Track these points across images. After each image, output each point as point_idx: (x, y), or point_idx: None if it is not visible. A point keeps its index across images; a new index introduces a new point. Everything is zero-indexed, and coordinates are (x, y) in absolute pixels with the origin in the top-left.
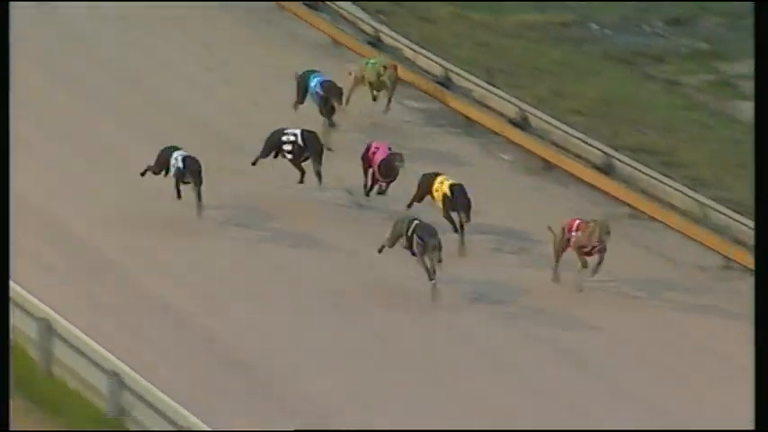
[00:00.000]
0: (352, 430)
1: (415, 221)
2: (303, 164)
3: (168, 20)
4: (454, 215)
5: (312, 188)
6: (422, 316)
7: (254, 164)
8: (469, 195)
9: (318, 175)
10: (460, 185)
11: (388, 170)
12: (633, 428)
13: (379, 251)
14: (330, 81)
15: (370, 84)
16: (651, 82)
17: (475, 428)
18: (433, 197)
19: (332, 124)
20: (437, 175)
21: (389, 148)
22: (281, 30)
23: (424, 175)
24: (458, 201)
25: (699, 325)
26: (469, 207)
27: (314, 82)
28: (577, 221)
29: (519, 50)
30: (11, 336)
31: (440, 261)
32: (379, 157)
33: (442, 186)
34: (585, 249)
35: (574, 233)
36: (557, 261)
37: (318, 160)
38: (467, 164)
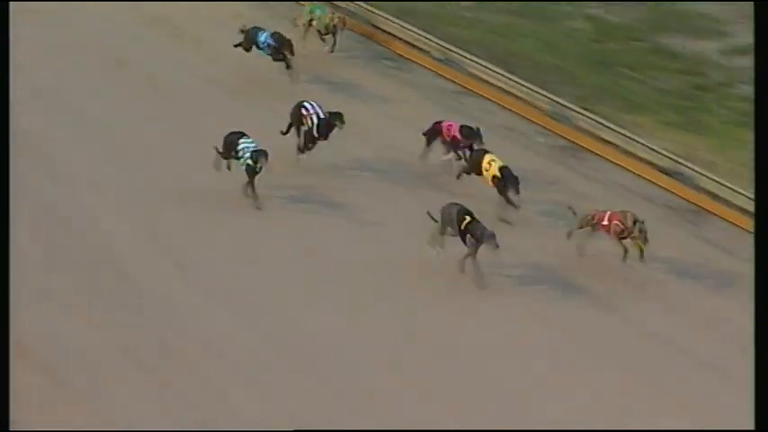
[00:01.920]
0: (350, 430)
1: (467, 219)
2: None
3: None
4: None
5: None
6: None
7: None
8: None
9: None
10: (507, 167)
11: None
12: (641, 428)
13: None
14: (279, 33)
15: (319, 32)
16: None
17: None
18: (481, 173)
19: (289, 66)
20: (485, 152)
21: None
22: None
23: (474, 152)
24: (508, 180)
25: None
26: (518, 183)
27: (263, 36)
28: (607, 215)
29: None
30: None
31: (497, 247)
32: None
33: (491, 169)
34: (624, 235)
35: (612, 222)
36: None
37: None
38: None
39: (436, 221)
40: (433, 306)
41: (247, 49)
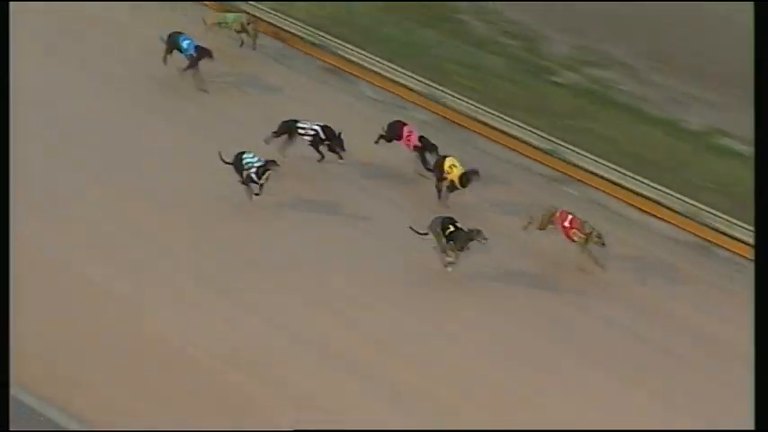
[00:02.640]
0: (349, 430)
1: (451, 228)
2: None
3: None
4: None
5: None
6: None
7: (267, 142)
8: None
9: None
10: (466, 172)
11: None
12: (632, 429)
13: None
14: (201, 46)
15: (236, 30)
16: None
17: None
18: (446, 173)
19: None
20: (445, 157)
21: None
22: None
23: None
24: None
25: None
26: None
27: (185, 44)
28: (570, 216)
29: None
30: (11, 336)
31: (486, 239)
32: (414, 138)
33: (453, 171)
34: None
35: (570, 230)
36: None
37: (341, 147)
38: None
39: (421, 234)
40: (423, 308)
41: (170, 52)
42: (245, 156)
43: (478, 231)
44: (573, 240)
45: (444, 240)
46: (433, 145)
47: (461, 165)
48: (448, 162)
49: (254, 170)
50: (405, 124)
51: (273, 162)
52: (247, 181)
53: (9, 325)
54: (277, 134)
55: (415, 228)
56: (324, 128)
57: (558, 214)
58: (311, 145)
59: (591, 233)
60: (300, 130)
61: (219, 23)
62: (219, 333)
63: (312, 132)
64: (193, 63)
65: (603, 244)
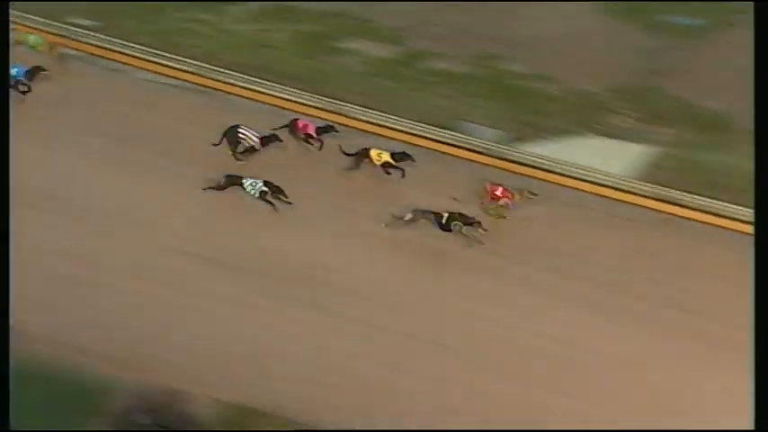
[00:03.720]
0: (349, 430)
1: (446, 215)
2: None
3: None
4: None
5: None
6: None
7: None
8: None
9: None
10: (399, 153)
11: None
12: (632, 428)
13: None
14: (30, 68)
15: (46, 51)
16: None
17: None
18: (377, 160)
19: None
20: (368, 150)
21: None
22: None
23: (362, 150)
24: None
25: None
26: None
27: (14, 71)
28: (500, 188)
29: None
30: (11, 336)
31: (485, 230)
32: (311, 128)
33: (381, 156)
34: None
35: (503, 199)
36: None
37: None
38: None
39: (405, 219)
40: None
41: (17, 86)
42: (244, 182)
43: (479, 222)
44: (506, 206)
45: (452, 226)
46: (331, 126)
47: (383, 149)
48: (374, 152)
49: (260, 185)
50: (297, 119)
51: (280, 190)
52: (263, 197)
53: (8, 322)
54: (227, 142)
55: (394, 215)
56: (262, 139)
57: (487, 187)
58: (247, 151)
59: (522, 194)
60: (241, 135)
61: (19, 42)
62: None
63: (253, 141)
64: (27, 83)
65: (535, 194)
